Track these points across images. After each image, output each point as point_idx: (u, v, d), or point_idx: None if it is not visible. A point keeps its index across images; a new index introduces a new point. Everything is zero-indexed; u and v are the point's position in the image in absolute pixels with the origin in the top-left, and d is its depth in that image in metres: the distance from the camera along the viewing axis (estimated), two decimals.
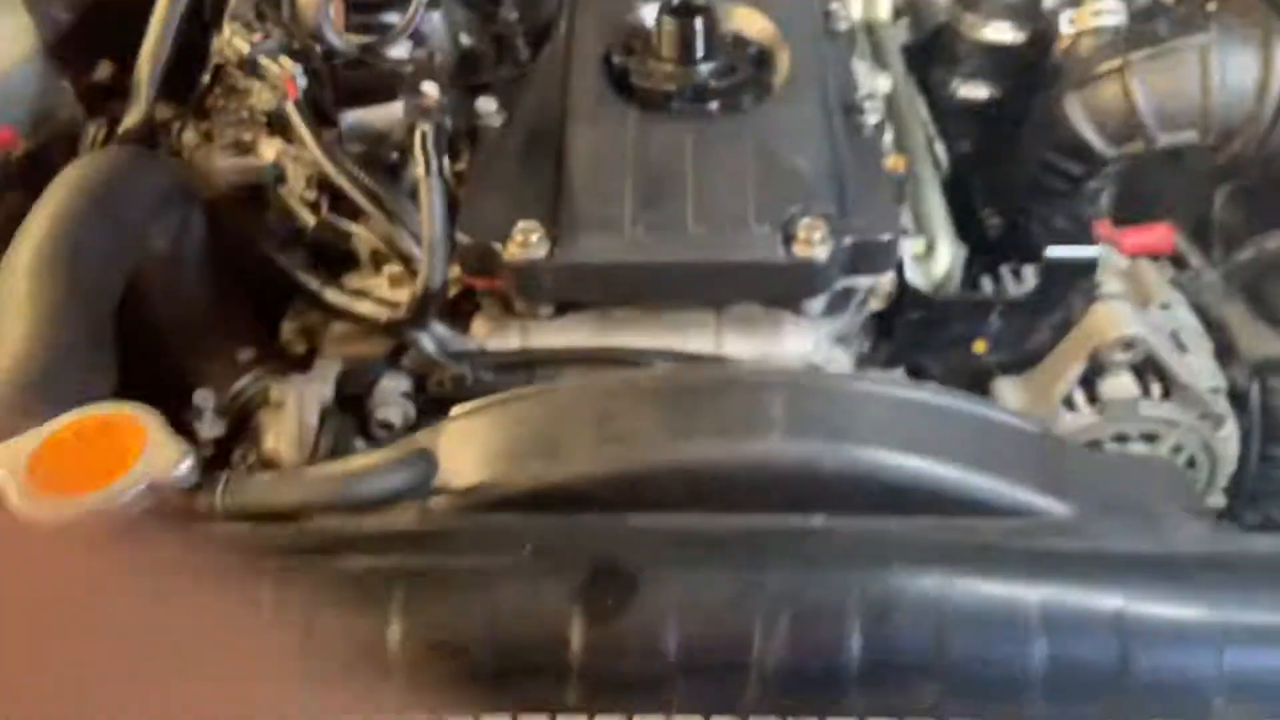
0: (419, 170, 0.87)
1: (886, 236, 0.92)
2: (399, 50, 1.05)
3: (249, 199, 1.06)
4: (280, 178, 1.04)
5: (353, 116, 0.99)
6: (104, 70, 1.32)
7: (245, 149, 1.06)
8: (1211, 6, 1.21)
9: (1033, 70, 1.43)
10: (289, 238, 1.03)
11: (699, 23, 1.02)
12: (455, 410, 0.72)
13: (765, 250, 0.90)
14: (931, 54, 1.52)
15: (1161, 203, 1.70)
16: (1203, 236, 1.72)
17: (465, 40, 1.36)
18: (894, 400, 0.76)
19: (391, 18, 1.08)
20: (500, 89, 1.13)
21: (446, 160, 0.97)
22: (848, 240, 0.91)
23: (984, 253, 1.44)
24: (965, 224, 1.43)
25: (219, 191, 1.05)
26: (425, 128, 0.87)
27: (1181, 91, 1.16)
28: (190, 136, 1.06)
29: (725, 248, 0.91)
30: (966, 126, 1.51)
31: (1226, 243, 1.67)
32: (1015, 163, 1.39)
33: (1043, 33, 1.39)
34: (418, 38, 1.09)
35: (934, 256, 1.22)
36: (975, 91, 1.46)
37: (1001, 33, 1.39)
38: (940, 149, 1.48)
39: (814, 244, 0.90)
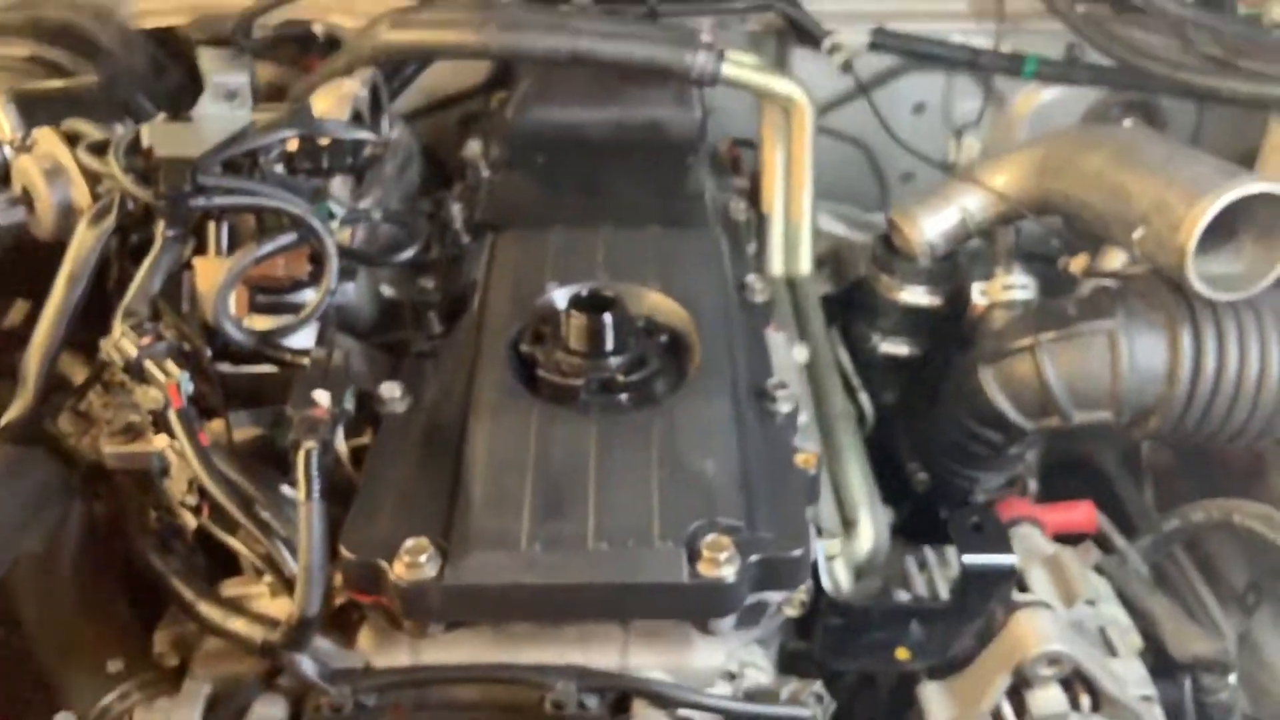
0: (299, 493, 0.82)
1: (797, 553, 0.88)
2: (302, 339, 1.02)
3: (131, 490, 1.00)
4: (165, 470, 0.98)
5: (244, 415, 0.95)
6: (16, 314, 1.29)
7: (135, 434, 1.01)
8: (1114, 284, 1.24)
9: (951, 329, 1.45)
10: (167, 538, 0.97)
11: (608, 316, 1.01)
12: None
13: (669, 570, 0.85)
14: (852, 306, 1.54)
15: (1087, 435, 1.72)
16: (1131, 465, 1.73)
17: (387, 292, 1.35)
18: None
19: (305, 296, 1.07)
20: (407, 369, 1.10)
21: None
22: (755, 558, 0.87)
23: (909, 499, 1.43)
24: (893, 476, 1.41)
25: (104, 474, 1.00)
26: (309, 445, 0.83)
27: (1091, 374, 1.17)
28: (70, 423, 1.01)
29: (627, 567, 0.86)
30: (890, 379, 1.52)
31: (1157, 483, 1.68)
32: (937, 423, 1.39)
33: (957, 294, 1.42)
34: (326, 327, 1.06)
35: (856, 534, 1.19)
36: (896, 348, 1.48)
37: (917, 296, 1.42)
38: (865, 400, 1.48)
39: (720, 564, 0.85)
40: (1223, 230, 1.11)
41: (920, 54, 1.71)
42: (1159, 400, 1.16)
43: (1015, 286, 1.30)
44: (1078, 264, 1.29)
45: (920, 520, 1.35)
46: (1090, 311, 1.19)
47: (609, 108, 1.50)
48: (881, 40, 1.67)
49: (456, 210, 1.39)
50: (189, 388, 0.89)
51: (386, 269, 1.38)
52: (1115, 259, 1.27)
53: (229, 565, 0.99)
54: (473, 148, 1.55)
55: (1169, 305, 1.16)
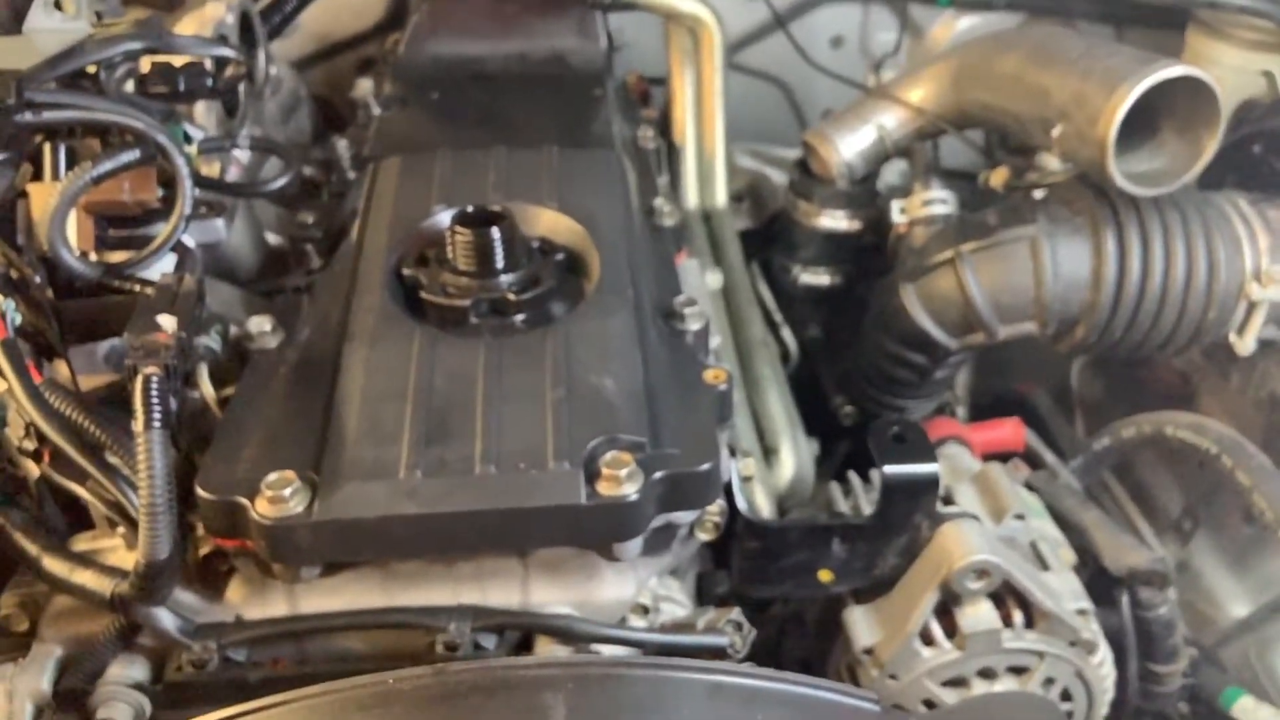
0: (136, 423, 0.72)
1: (705, 467, 0.81)
2: (160, 271, 0.92)
3: None
4: (3, 419, 0.88)
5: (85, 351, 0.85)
6: None
7: None
8: (1038, 194, 1.19)
9: (872, 256, 1.39)
10: (11, 491, 0.87)
11: (495, 231, 0.92)
12: None
13: (565, 492, 0.78)
14: (772, 239, 1.48)
15: (1018, 372, 1.68)
16: (1063, 403, 1.70)
17: (274, 240, 1.26)
18: (702, 689, 0.62)
19: (158, 229, 0.97)
20: (280, 304, 1.01)
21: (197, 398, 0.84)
22: (660, 474, 0.79)
23: (837, 439, 1.37)
24: (818, 411, 1.35)
25: None
26: (150, 370, 0.73)
27: (1014, 284, 1.12)
28: None
29: (519, 491, 0.78)
30: (812, 312, 1.46)
31: (1087, 413, 1.65)
32: (862, 351, 1.33)
33: (878, 219, 1.37)
34: (185, 256, 0.96)
35: (777, 464, 1.13)
36: (817, 278, 1.42)
37: (837, 220, 1.36)
38: (788, 335, 1.42)
39: (621, 482, 0.78)
40: (1143, 126, 1.06)
41: None
42: (1084, 307, 1.11)
43: (935, 201, 1.25)
44: (998, 177, 1.24)
45: (855, 463, 1.30)
46: (1011, 220, 1.14)
47: (508, 40, 1.43)
48: None
49: (343, 147, 1.30)
50: (16, 318, 0.79)
51: (274, 216, 1.29)
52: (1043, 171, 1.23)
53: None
54: (363, 86, 1.46)
55: (1091, 208, 1.11)
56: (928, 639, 0.89)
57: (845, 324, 1.43)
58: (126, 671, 0.80)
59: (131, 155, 0.88)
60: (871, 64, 1.74)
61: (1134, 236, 1.08)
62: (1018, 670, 0.91)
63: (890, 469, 0.87)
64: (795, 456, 1.12)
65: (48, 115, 0.88)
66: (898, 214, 1.28)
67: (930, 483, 0.88)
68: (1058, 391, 1.71)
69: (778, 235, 1.45)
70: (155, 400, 0.73)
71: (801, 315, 1.43)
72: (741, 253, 1.39)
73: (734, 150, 1.59)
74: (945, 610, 0.90)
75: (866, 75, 1.74)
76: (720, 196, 1.46)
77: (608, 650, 0.81)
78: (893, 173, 1.54)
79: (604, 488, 0.78)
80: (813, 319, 1.44)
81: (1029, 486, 1.07)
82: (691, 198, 1.46)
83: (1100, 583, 1.01)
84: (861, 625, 0.92)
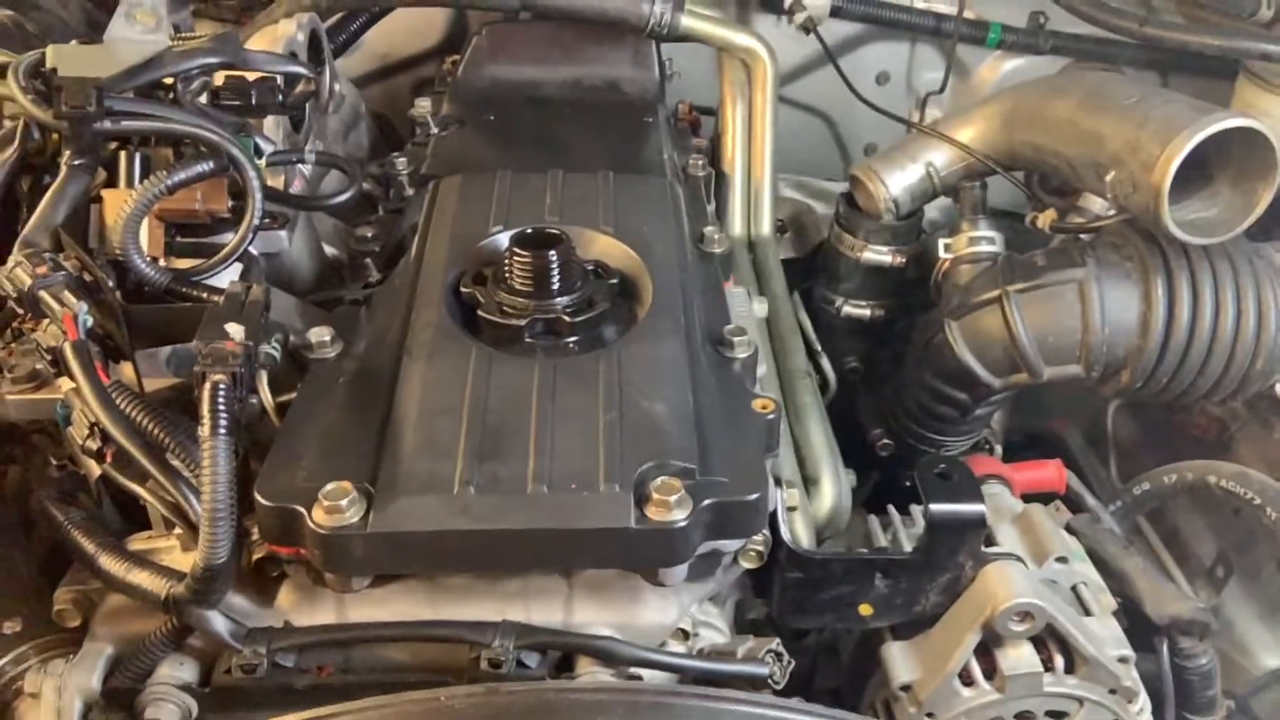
0: (202, 429, 0.74)
1: (753, 497, 0.82)
2: (225, 279, 0.94)
3: (34, 439, 0.92)
4: (69, 418, 0.90)
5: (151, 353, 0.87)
6: None
7: (41, 381, 0.93)
8: (1086, 237, 1.20)
9: (914, 291, 1.40)
10: (71, 489, 0.89)
11: (553, 253, 0.94)
12: None
13: (614, 515, 0.79)
14: (815, 270, 1.49)
15: (1051, 410, 1.68)
16: (1097, 444, 1.69)
17: (331, 252, 1.28)
18: None
19: (228, 239, 0.99)
20: (340, 315, 1.03)
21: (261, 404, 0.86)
22: (709, 501, 0.80)
23: (869, 469, 1.37)
24: (852, 442, 1.36)
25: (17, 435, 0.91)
26: (218, 378, 0.75)
27: (1061, 326, 1.12)
28: None
29: (569, 511, 0.79)
30: (853, 343, 1.47)
31: (1121, 455, 1.64)
32: (902, 385, 1.33)
33: (921, 255, 1.37)
34: (250, 265, 0.98)
35: (818, 494, 1.13)
36: (859, 310, 1.42)
37: (880, 255, 1.37)
38: (827, 365, 1.42)
39: (670, 508, 0.78)
40: (1197, 174, 1.07)
41: (883, 20, 1.67)
42: (1131, 352, 1.11)
43: (981, 240, 1.26)
44: (1046, 218, 1.24)
45: (885, 494, 1.30)
46: (1059, 262, 1.14)
47: (565, 66, 1.45)
48: (844, 3, 1.62)
49: (401, 164, 1.32)
50: (87, 320, 0.81)
51: (331, 228, 1.31)
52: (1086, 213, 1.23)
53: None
54: (422, 105, 1.48)
55: (1142, 254, 1.11)
56: (967, 679, 0.89)
57: (885, 356, 1.43)
58: (176, 673, 0.82)
59: (206, 166, 0.90)
60: (917, 101, 1.75)
61: (1184, 284, 1.08)
62: (1056, 715, 0.91)
63: (936, 507, 0.88)
64: (835, 487, 1.13)
65: (126, 123, 0.91)
66: (943, 251, 1.29)
67: (977, 522, 0.88)
68: (1090, 431, 1.70)
69: (821, 267, 1.46)
70: (222, 407, 0.75)
71: (841, 346, 1.44)
72: (785, 282, 1.40)
73: (778, 181, 1.60)
74: (985, 650, 0.90)
75: (911, 112, 1.76)
76: (766, 226, 1.48)
77: (651, 675, 0.81)
78: (934, 209, 1.55)
79: (653, 512, 0.79)
80: (852, 350, 1.45)
81: (1070, 529, 1.07)
82: (737, 226, 1.47)
83: (1138, 630, 1.01)
84: (900, 661, 0.92)
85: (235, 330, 0.80)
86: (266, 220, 1.08)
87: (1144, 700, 0.92)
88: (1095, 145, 1.09)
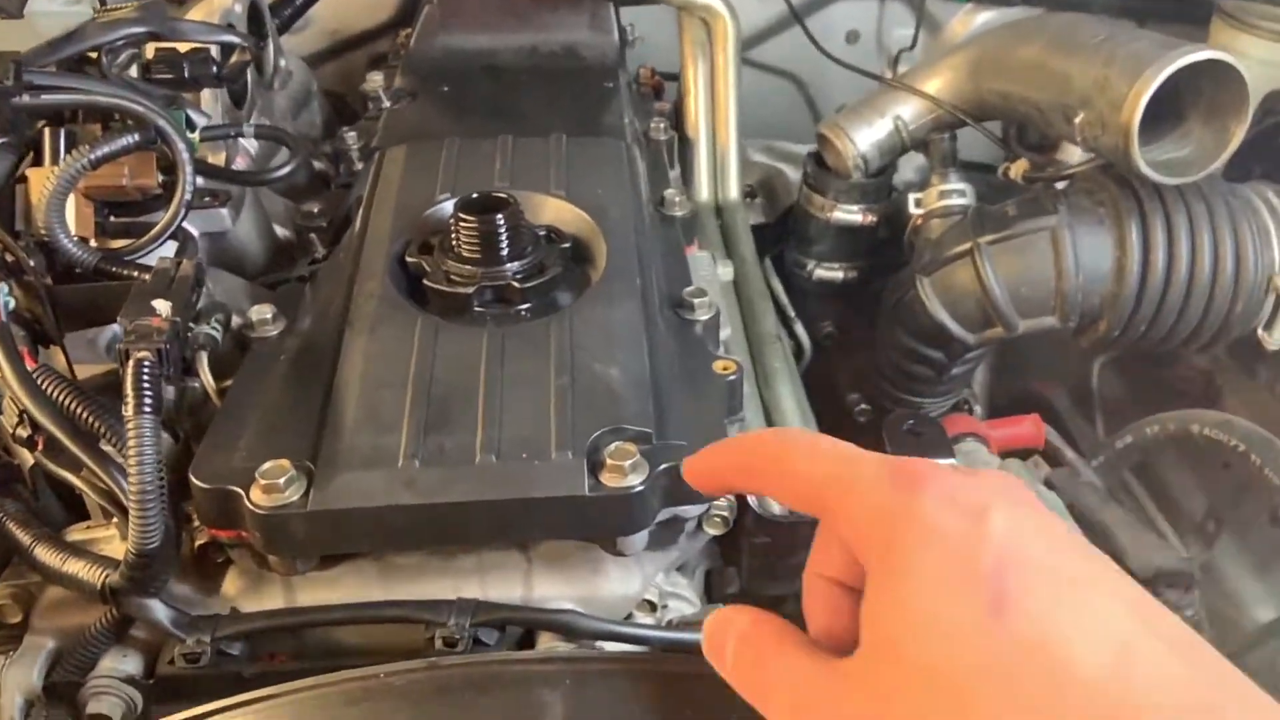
0: (126, 408, 0.71)
1: None
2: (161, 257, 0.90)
3: None
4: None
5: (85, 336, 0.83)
6: None
7: None
8: (1059, 185, 1.16)
9: (887, 251, 1.36)
10: (5, 479, 0.85)
11: (500, 218, 0.90)
12: None
13: (567, 482, 0.75)
14: (785, 234, 1.46)
15: (1036, 371, 1.65)
16: (1083, 403, 1.66)
17: (283, 233, 1.24)
18: (709, 684, 0.60)
19: (160, 216, 0.95)
20: (283, 293, 0.99)
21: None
22: (666, 465, 0.77)
23: (850, 437, 1.34)
24: (832, 409, 1.33)
25: None
26: (141, 355, 0.72)
27: (1034, 276, 1.09)
28: None
29: (520, 481, 0.76)
30: (827, 308, 1.43)
31: (1108, 413, 1.61)
32: (877, 347, 1.30)
33: (894, 214, 1.34)
34: (186, 244, 0.95)
35: None
36: (831, 273, 1.39)
37: (851, 214, 1.33)
38: (801, 331, 1.39)
39: (625, 473, 0.75)
40: (1168, 113, 1.03)
41: None
42: (1107, 300, 1.08)
43: (952, 193, 1.22)
44: (1018, 168, 1.21)
45: None
46: (1031, 211, 1.11)
47: (520, 33, 1.41)
48: None
49: (351, 139, 1.28)
50: (9, 302, 0.78)
51: (282, 208, 1.27)
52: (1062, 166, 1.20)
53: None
54: (374, 79, 1.44)
55: (1115, 198, 1.08)
56: None
57: (860, 320, 1.40)
58: (119, 665, 0.78)
59: (130, 139, 0.86)
60: (888, 59, 1.72)
61: (1158, 227, 1.05)
62: None
63: None
64: None
65: (46, 98, 0.86)
66: (914, 206, 1.25)
67: None
68: (1077, 391, 1.67)
69: (791, 230, 1.43)
70: (147, 384, 0.71)
71: (815, 311, 1.40)
72: (754, 246, 1.36)
73: (747, 146, 1.57)
74: None
75: (883, 71, 1.72)
76: (733, 190, 1.44)
77: (610, 646, 0.78)
78: (909, 169, 1.52)
79: (608, 479, 0.75)
80: (827, 315, 1.41)
81: (1048, 484, 1.04)
82: (704, 191, 1.43)
83: None
84: None
85: (162, 305, 0.77)
86: (207, 199, 1.05)
87: None
88: (1063, 87, 1.06)
